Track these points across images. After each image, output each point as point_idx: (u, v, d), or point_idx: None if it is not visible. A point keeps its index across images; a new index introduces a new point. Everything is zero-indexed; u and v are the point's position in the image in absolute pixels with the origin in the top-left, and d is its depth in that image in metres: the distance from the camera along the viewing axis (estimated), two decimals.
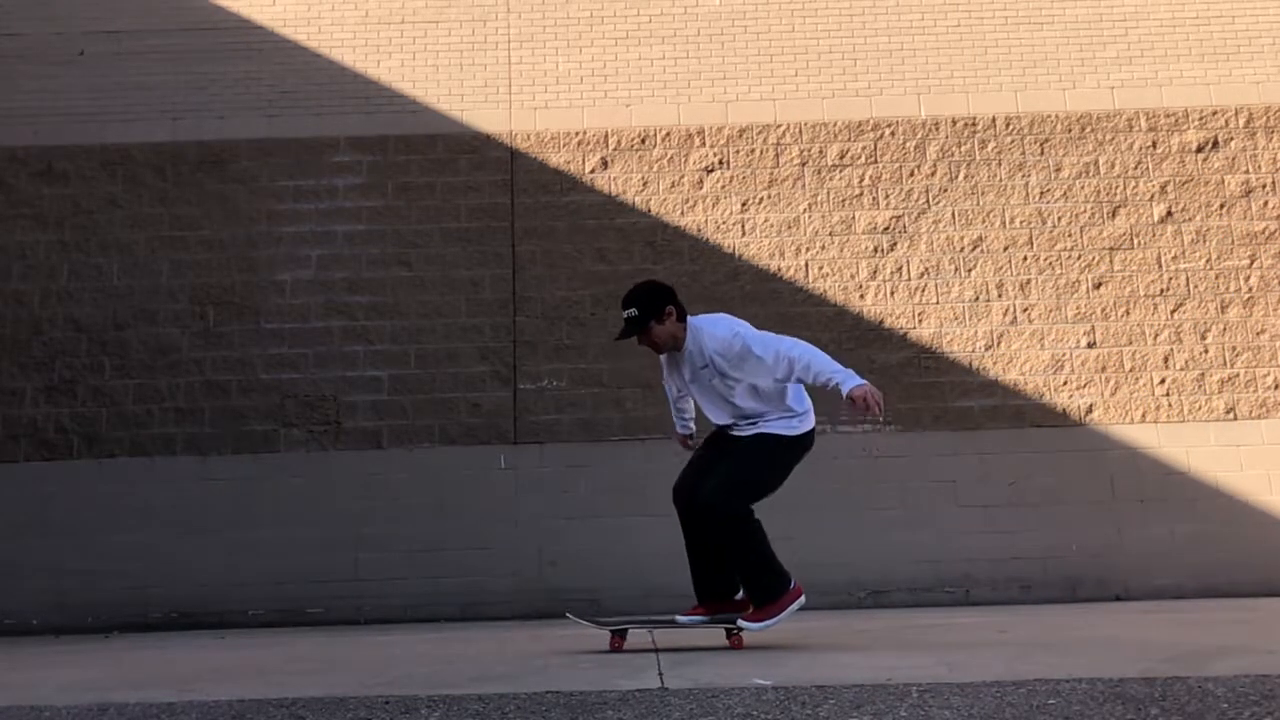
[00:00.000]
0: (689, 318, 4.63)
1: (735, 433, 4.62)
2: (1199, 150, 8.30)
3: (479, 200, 8.22)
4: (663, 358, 4.80)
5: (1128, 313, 8.04)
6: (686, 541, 4.75)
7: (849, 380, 4.26)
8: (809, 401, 4.66)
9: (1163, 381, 7.91)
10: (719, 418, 4.67)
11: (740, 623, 4.49)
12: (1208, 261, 8.12)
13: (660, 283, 4.71)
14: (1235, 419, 7.84)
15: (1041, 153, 8.32)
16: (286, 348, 8.00)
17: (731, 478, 4.51)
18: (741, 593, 4.67)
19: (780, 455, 4.58)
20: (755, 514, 4.56)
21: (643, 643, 4.92)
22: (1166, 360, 7.95)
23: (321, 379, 7.96)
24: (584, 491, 7.70)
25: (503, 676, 3.75)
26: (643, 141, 8.33)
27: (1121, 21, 8.57)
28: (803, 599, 4.59)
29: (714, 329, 4.55)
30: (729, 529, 4.52)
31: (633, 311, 4.53)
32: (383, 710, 3.03)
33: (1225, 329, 7.99)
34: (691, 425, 5.15)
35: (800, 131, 8.36)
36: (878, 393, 4.25)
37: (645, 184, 8.25)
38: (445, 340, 8.00)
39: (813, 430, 4.65)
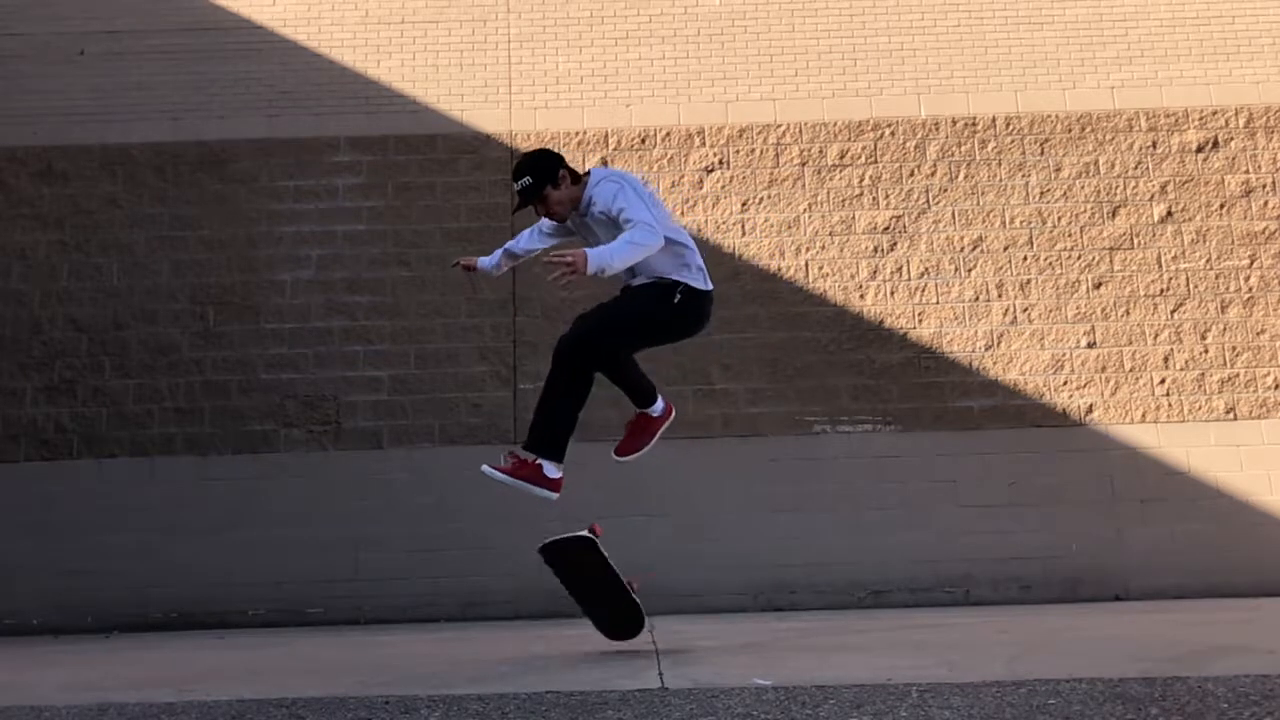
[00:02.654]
0: (591, 170, 4.54)
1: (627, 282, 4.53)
2: (1199, 150, 8.30)
3: (479, 200, 8.22)
4: (545, 221, 4.68)
5: (1128, 313, 8.04)
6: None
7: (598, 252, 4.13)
8: (696, 262, 4.50)
9: (1163, 381, 7.91)
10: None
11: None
12: (1208, 261, 8.12)
13: (548, 149, 4.60)
14: (1235, 419, 7.83)
15: (1041, 153, 8.32)
16: (286, 348, 8.00)
17: (593, 318, 4.43)
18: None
19: (653, 308, 4.44)
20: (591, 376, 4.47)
21: (643, 643, 4.92)
22: (1166, 360, 7.95)
23: (321, 379, 7.96)
24: (584, 491, 7.68)
25: (503, 676, 3.75)
26: (643, 141, 8.33)
27: (1121, 21, 8.57)
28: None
29: (608, 171, 4.51)
30: (562, 365, 4.41)
31: (526, 180, 4.39)
32: (383, 710, 3.03)
33: (1225, 329, 7.99)
34: (494, 265, 5.01)
35: (800, 131, 8.35)
36: (581, 262, 4.06)
37: (645, 184, 8.24)
38: (445, 340, 8.00)
39: (695, 294, 4.45)
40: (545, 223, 4.76)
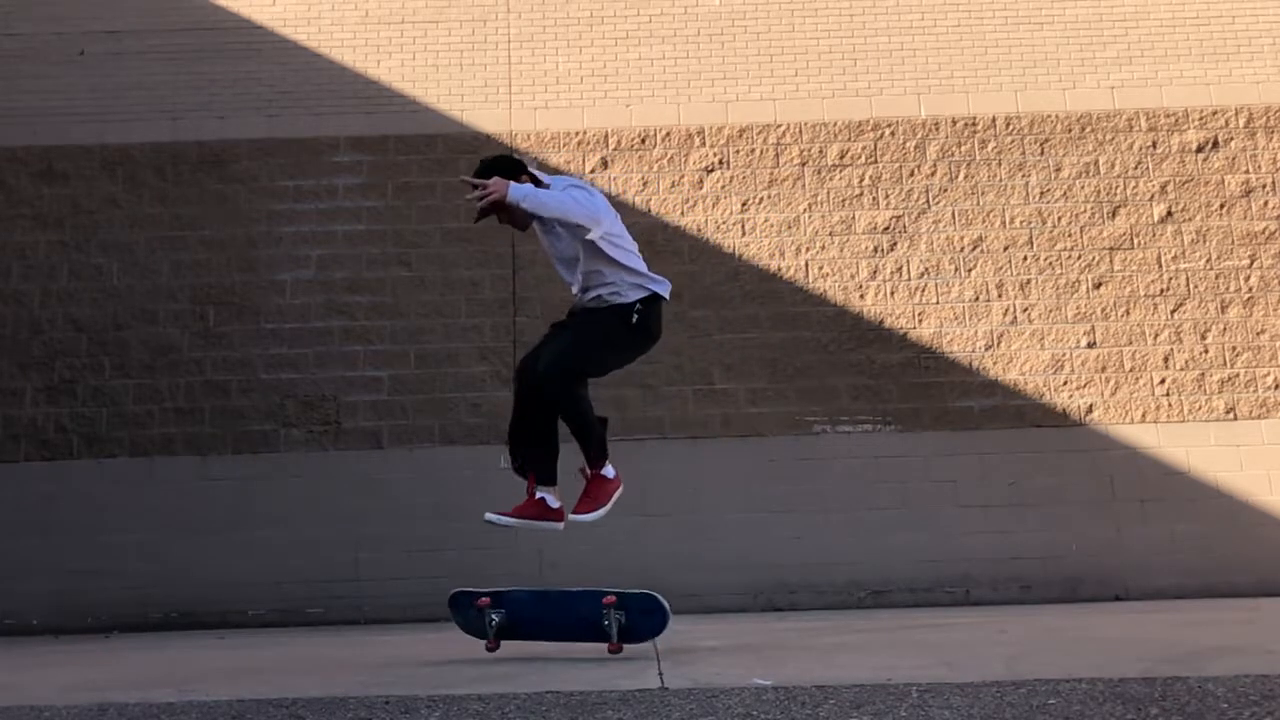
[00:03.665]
0: (548, 178, 4.53)
1: (580, 304, 4.57)
2: (1199, 150, 8.30)
3: None
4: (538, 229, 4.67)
5: (1128, 313, 8.04)
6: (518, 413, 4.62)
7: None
8: (639, 268, 4.52)
9: (1163, 381, 7.91)
10: (569, 279, 4.60)
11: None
12: (1208, 261, 8.12)
13: (509, 154, 4.62)
14: (1235, 419, 7.83)
15: (1041, 153, 8.32)
16: (286, 348, 7.99)
17: (557, 349, 4.44)
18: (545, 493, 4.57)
19: (614, 331, 4.49)
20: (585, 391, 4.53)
21: (643, 643, 4.91)
22: (1166, 360, 7.95)
23: (321, 379, 7.96)
24: None
25: (503, 676, 3.75)
26: (643, 141, 8.33)
27: (1121, 21, 8.57)
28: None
29: (574, 182, 4.48)
30: (540, 400, 4.45)
31: None
32: (383, 710, 3.03)
33: (1225, 329, 7.99)
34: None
35: (800, 131, 8.35)
36: (501, 193, 4.13)
37: (645, 184, 8.25)
38: (445, 340, 8.00)
39: (645, 303, 4.49)
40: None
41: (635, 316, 4.47)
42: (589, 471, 4.54)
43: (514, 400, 4.65)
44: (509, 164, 4.46)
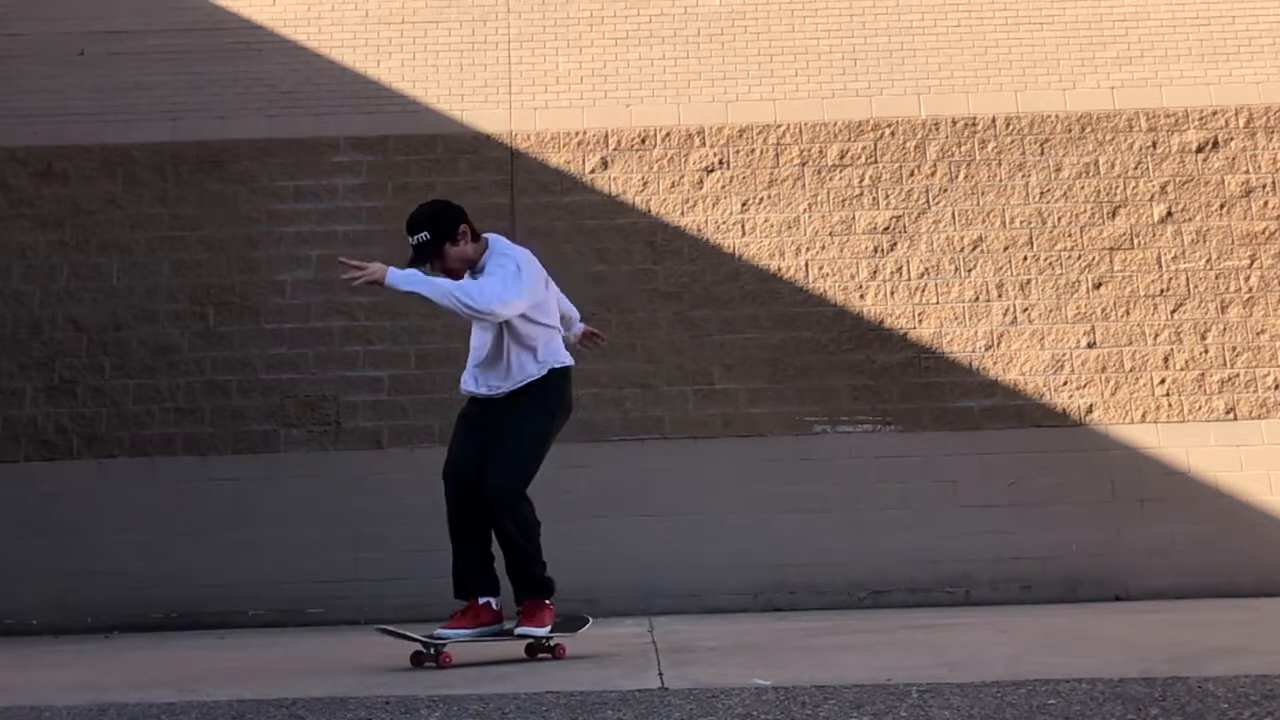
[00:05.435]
0: (490, 236, 4.43)
1: (489, 392, 4.37)
2: (1199, 150, 8.30)
3: (479, 200, 8.20)
4: None
5: (1128, 313, 8.04)
6: (458, 528, 4.43)
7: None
8: (549, 352, 4.39)
9: (1163, 381, 7.91)
10: (476, 357, 4.43)
11: (517, 630, 4.26)
12: (1208, 261, 8.12)
13: (449, 201, 4.49)
14: (1235, 419, 7.83)
15: (1041, 153, 8.32)
16: (286, 348, 7.99)
17: (506, 461, 4.27)
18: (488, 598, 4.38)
19: (548, 415, 4.39)
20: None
21: (643, 643, 4.92)
22: (1166, 360, 7.95)
23: (321, 379, 7.96)
24: (584, 491, 7.69)
25: (503, 676, 3.75)
26: (643, 141, 8.33)
27: (1121, 21, 8.57)
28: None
29: (511, 248, 4.37)
30: (514, 519, 4.31)
31: (423, 236, 4.26)
32: (383, 710, 3.03)
33: (1225, 329, 7.99)
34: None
35: (800, 131, 8.35)
36: (377, 277, 4.04)
37: (645, 184, 8.25)
38: (445, 340, 7.98)
39: (563, 373, 4.41)
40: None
41: (550, 387, 4.34)
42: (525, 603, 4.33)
43: (451, 521, 4.39)
44: (446, 217, 4.31)
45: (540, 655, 4.37)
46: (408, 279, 4.11)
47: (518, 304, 4.25)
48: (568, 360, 4.50)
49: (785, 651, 4.49)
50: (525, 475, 4.36)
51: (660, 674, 3.63)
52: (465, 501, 4.37)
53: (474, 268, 4.39)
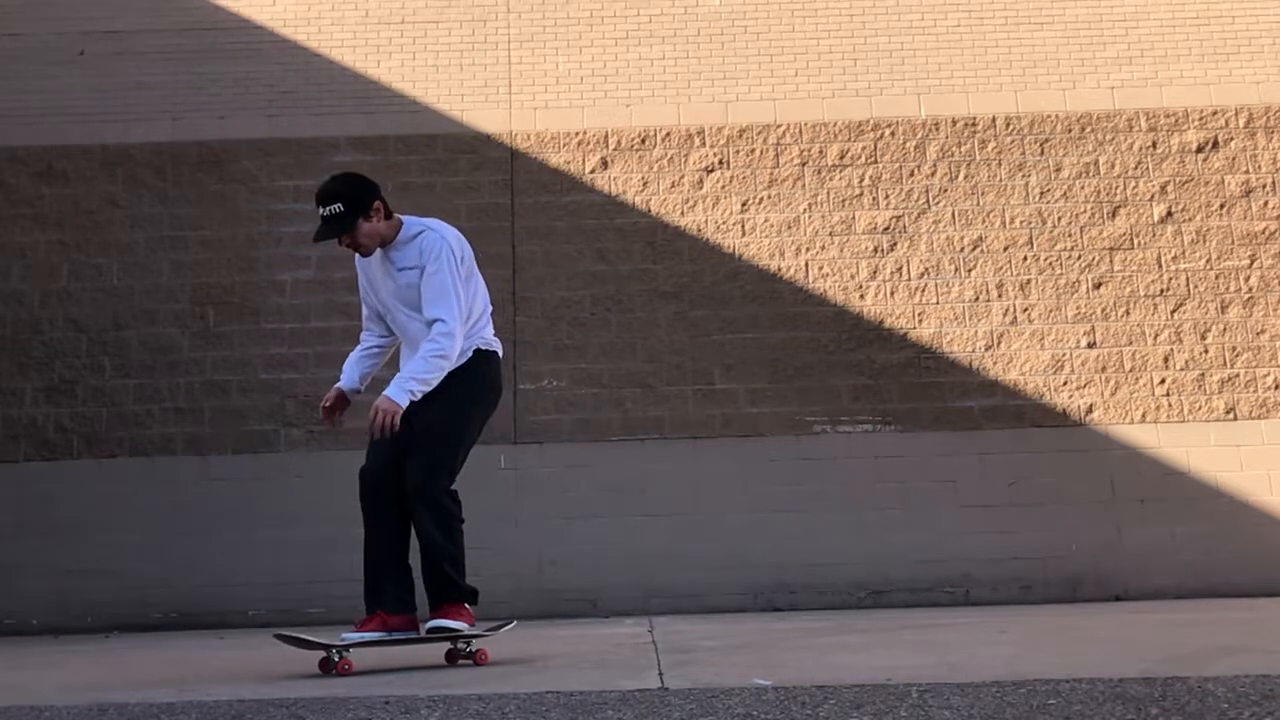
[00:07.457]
0: (404, 217, 4.24)
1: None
2: (1199, 150, 8.30)
3: (479, 200, 8.22)
4: (360, 271, 4.42)
5: (1128, 313, 8.04)
6: (373, 534, 4.29)
7: (401, 393, 3.98)
8: (473, 336, 4.24)
9: (1163, 381, 7.91)
10: (401, 323, 4.26)
11: (448, 624, 4.14)
12: (1208, 261, 8.12)
13: (363, 175, 4.33)
14: (1235, 419, 7.83)
15: (1041, 153, 8.32)
16: (286, 348, 7.99)
17: (425, 443, 4.12)
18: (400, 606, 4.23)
19: (476, 395, 4.23)
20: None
21: (643, 643, 4.92)
22: (1166, 360, 7.95)
23: (321, 379, 7.94)
24: (584, 491, 7.69)
25: (503, 676, 3.75)
26: (643, 141, 8.33)
27: (1121, 21, 8.57)
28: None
29: (443, 228, 4.20)
30: (435, 515, 4.19)
31: (336, 208, 4.05)
32: (383, 710, 3.03)
33: (1225, 329, 7.99)
34: (358, 380, 4.66)
35: (800, 131, 8.35)
36: (393, 407, 4.04)
37: (645, 184, 8.25)
38: None
39: (492, 358, 4.27)
40: (361, 271, 4.44)
41: (486, 364, 4.23)
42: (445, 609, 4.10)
43: (366, 525, 4.25)
44: (360, 191, 4.10)
45: (460, 662, 4.17)
46: (408, 389, 4.06)
47: (463, 307, 4.16)
48: (495, 345, 4.36)
49: (785, 651, 4.49)
50: (450, 466, 4.25)
51: (660, 674, 3.63)
52: (384, 501, 4.36)
53: (386, 245, 4.23)
